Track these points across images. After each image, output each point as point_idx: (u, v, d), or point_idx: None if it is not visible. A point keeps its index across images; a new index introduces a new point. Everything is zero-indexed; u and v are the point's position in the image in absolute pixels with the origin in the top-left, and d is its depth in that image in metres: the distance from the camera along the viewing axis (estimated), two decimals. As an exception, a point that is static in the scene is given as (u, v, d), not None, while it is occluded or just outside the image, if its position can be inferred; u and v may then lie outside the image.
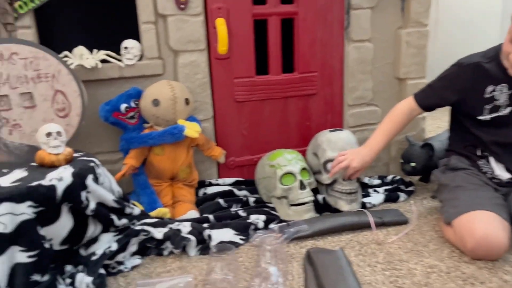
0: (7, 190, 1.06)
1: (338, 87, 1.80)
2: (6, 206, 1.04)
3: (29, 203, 1.07)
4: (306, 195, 1.48)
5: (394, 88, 1.84)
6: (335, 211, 1.54)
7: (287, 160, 1.54)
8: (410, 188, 1.73)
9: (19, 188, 1.07)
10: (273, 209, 1.55)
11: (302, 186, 1.49)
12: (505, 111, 1.30)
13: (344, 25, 1.72)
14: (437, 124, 2.65)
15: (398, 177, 1.81)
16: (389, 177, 1.82)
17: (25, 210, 1.06)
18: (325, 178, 1.55)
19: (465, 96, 1.36)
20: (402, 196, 1.65)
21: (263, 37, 1.68)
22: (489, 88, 1.30)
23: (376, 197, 1.63)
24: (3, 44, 1.24)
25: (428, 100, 1.45)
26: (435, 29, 3.24)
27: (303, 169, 1.54)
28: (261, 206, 1.58)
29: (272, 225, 1.44)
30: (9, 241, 1.04)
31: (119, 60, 1.54)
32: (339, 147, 1.54)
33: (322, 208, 1.56)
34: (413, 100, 1.47)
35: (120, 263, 1.26)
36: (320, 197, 1.58)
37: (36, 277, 1.06)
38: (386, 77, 1.82)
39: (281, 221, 1.48)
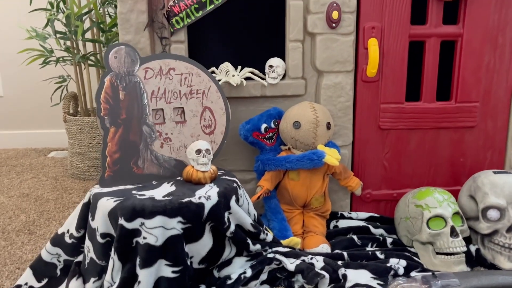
0: (161, 204, 1.21)
1: (503, 121, 1.71)
2: (159, 220, 1.19)
3: (179, 218, 1.21)
4: (458, 244, 1.43)
5: None
6: (490, 267, 1.45)
7: (438, 201, 1.50)
8: None
9: (172, 203, 1.21)
10: (415, 255, 1.51)
11: (454, 233, 1.44)
12: None
13: (518, 49, 1.64)
14: None
15: None
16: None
17: (175, 225, 1.20)
18: (483, 227, 1.47)
19: None
20: None
21: (417, 59, 1.67)
22: None
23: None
24: (163, 59, 1.43)
25: None
26: None
27: (456, 213, 1.49)
28: (401, 249, 1.55)
29: (414, 273, 1.41)
30: (159, 254, 1.19)
31: (263, 79, 1.65)
32: (506, 193, 1.46)
33: (474, 262, 1.48)
34: None
35: (250, 290, 1.35)
36: (472, 249, 1.50)
37: (178, 293, 1.19)
38: None
39: (425, 270, 1.44)
